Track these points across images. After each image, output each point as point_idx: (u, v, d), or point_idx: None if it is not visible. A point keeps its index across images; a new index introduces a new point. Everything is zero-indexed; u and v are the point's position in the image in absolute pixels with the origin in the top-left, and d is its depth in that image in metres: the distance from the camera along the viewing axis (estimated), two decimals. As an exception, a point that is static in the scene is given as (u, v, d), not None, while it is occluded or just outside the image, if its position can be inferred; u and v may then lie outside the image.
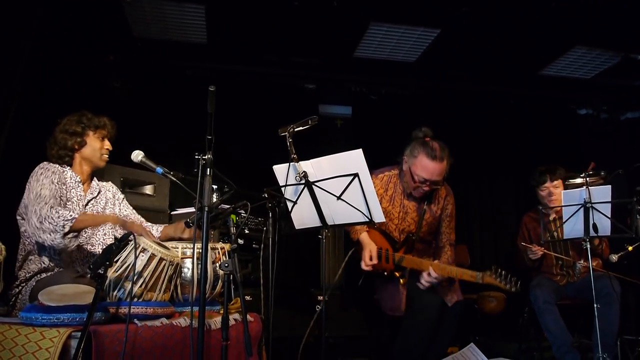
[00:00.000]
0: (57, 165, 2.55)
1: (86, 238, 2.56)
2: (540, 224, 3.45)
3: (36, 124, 3.62)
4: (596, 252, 3.55)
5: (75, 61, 4.37)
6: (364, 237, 3.08)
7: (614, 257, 3.52)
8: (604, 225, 3.04)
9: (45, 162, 2.53)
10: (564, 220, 3.15)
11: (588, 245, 3.04)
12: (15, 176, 2.71)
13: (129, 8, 3.90)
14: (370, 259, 2.99)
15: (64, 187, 2.51)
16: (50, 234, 2.25)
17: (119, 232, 2.70)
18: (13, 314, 2.35)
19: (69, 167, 2.59)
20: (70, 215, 2.26)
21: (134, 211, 2.84)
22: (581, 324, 3.78)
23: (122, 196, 2.84)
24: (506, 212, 5.46)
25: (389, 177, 3.20)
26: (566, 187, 3.75)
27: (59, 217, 2.25)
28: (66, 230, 2.25)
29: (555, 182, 3.74)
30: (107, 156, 2.68)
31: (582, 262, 3.45)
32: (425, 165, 2.95)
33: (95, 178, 2.72)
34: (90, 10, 3.88)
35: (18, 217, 2.49)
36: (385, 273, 3.10)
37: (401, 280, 3.08)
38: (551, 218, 3.70)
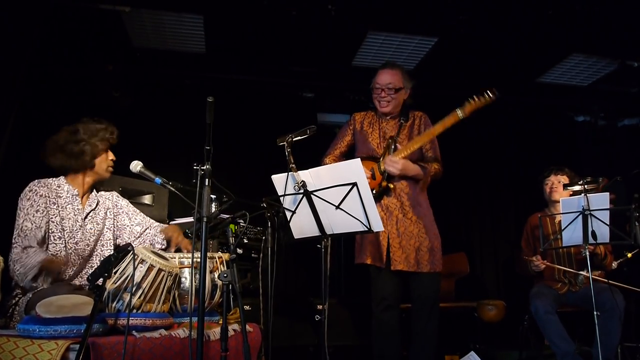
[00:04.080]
0: (51, 181, 2.52)
1: (82, 248, 2.54)
2: (540, 232, 3.45)
3: (36, 134, 3.62)
4: (602, 265, 3.54)
5: (75, 71, 4.39)
6: None
7: (614, 264, 3.53)
8: (603, 233, 3.03)
9: (34, 182, 2.48)
10: (562, 228, 3.14)
11: (587, 253, 3.04)
12: (14, 186, 2.70)
13: (128, 18, 3.92)
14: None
15: (55, 207, 2.47)
16: (19, 277, 2.29)
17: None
18: (11, 326, 2.34)
19: (65, 181, 2.55)
20: (33, 264, 2.25)
21: (145, 217, 2.79)
22: (582, 331, 3.77)
23: (124, 203, 2.77)
24: (505, 220, 5.46)
25: (366, 112, 3.44)
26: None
27: (24, 266, 2.25)
28: (29, 277, 2.26)
29: (560, 177, 3.77)
30: (112, 168, 2.67)
31: (584, 272, 3.44)
32: (377, 74, 3.28)
33: (94, 189, 2.68)
34: (89, 20, 3.89)
35: None
36: (374, 191, 3.12)
37: (390, 185, 3.14)
38: (556, 221, 3.67)
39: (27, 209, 2.40)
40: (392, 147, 3.15)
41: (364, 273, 3.24)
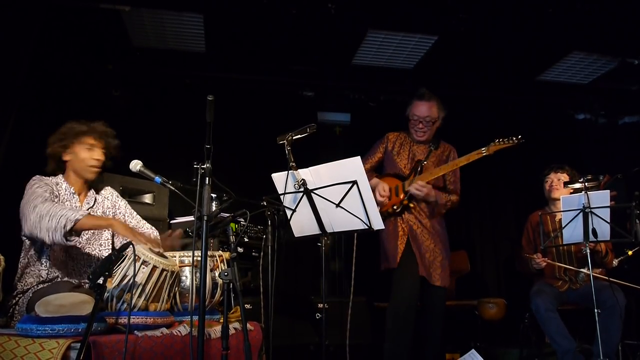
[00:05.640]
0: (51, 178, 2.52)
1: (82, 247, 2.54)
2: (540, 230, 3.45)
3: (36, 133, 3.61)
4: (603, 263, 3.54)
5: (75, 70, 4.39)
6: (374, 181, 3.38)
7: (614, 262, 3.52)
8: (604, 230, 3.03)
9: (36, 176, 2.49)
10: (563, 226, 3.14)
11: (588, 250, 3.04)
12: (15, 186, 2.70)
13: (128, 17, 3.92)
14: (384, 191, 3.29)
15: (57, 199, 2.47)
16: (49, 232, 2.20)
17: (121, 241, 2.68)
18: (11, 325, 2.34)
19: (63, 179, 2.56)
20: (74, 217, 2.22)
21: (140, 219, 2.77)
22: (583, 329, 3.77)
23: (123, 203, 2.75)
24: (506, 218, 5.45)
25: (399, 133, 3.60)
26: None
27: (61, 217, 2.20)
28: (67, 229, 2.20)
29: (560, 175, 3.78)
30: (95, 168, 2.56)
31: (585, 270, 3.44)
32: (415, 105, 3.42)
33: (92, 189, 2.68)
34: (89, 19, 3.90)
35: (24, 238, 2.46)
36: (395, 207, 3.29)
37: (411, 205, 3.28)
38: (557, 219, 3.67)
39: (36, 188, 2.38)
40: (419, 169, 3.34)
41: (367, 273, 3.25)
